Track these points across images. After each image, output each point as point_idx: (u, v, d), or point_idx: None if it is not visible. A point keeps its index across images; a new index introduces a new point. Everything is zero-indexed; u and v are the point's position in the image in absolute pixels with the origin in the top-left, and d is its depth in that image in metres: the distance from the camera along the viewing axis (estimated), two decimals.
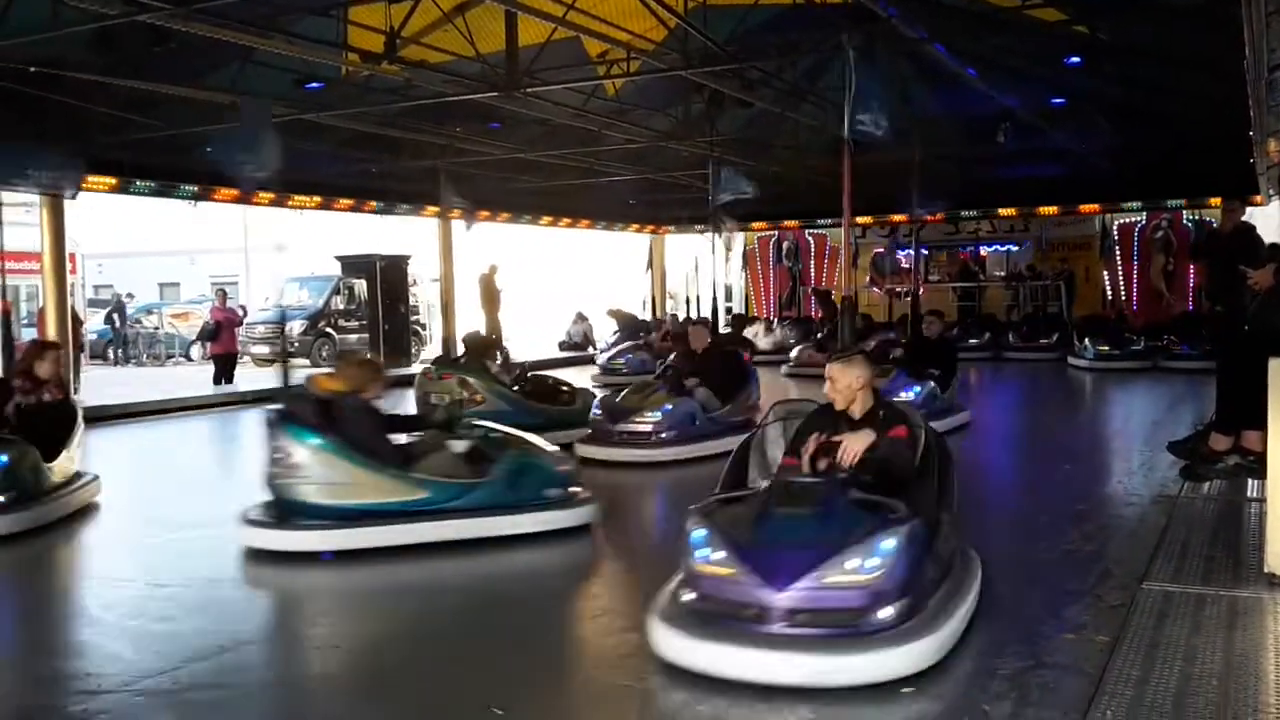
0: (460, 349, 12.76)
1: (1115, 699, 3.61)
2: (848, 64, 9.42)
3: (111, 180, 13.87)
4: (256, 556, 6.28)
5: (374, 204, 18.25)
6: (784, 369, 17.45)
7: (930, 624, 4.00)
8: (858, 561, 3.94)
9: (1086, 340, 17.84)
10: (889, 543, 3.98)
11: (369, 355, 14.63)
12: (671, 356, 10.69)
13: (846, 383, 4.77)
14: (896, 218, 23.02)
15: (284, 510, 6.20)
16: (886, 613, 3.90)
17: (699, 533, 4.22)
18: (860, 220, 23.59)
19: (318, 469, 6.10)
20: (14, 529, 6.75)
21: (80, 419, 8.02)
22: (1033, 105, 14.24)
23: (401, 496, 6.19)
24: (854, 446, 4.56)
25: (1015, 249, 24.16)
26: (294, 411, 6.32)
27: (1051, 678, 3.99)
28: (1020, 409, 14.73)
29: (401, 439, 6.72)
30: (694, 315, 22.13)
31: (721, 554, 4.10)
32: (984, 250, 24.30)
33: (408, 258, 22.10)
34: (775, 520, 4.19)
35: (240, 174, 11.29)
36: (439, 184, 14.41)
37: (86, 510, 7.62)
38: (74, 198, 12.58)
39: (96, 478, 7.90)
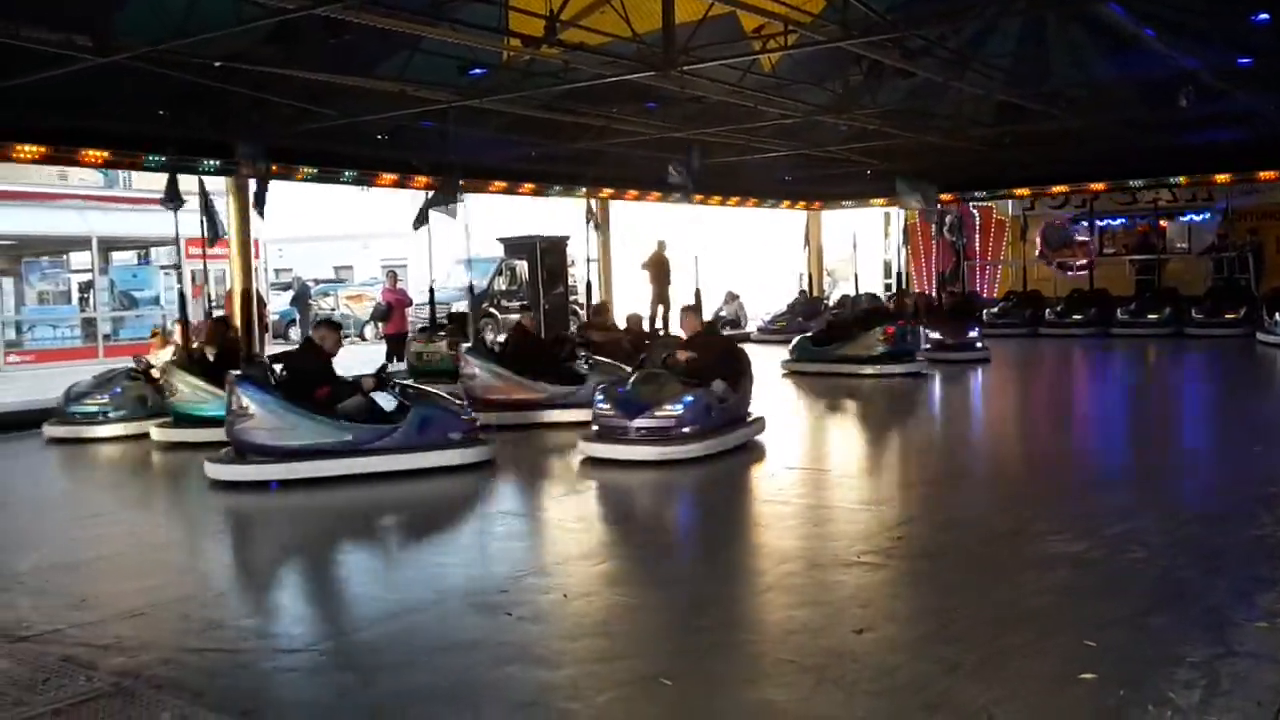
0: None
1: None
2: None
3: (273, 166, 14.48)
4: (422, 532, 6.59)
5: (530, 186, 18.50)
6: None
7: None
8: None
9: (1277, 315, 16.75)
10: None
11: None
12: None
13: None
14: (1060, 188, 22.08)
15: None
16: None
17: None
18: (1019, 192, 22.75)
19: None
20: None
21: None
22: (1216, 66, 13.36)
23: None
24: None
25: (1200, 219, 22.79)
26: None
27: (1243, 667, 3.80)
28: (1203, 388, 13.95)
29: None
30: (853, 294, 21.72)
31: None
32: (1163, 221, 23.01)
33: (567, 238, 22.40)
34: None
35: None
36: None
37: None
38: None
39: None
